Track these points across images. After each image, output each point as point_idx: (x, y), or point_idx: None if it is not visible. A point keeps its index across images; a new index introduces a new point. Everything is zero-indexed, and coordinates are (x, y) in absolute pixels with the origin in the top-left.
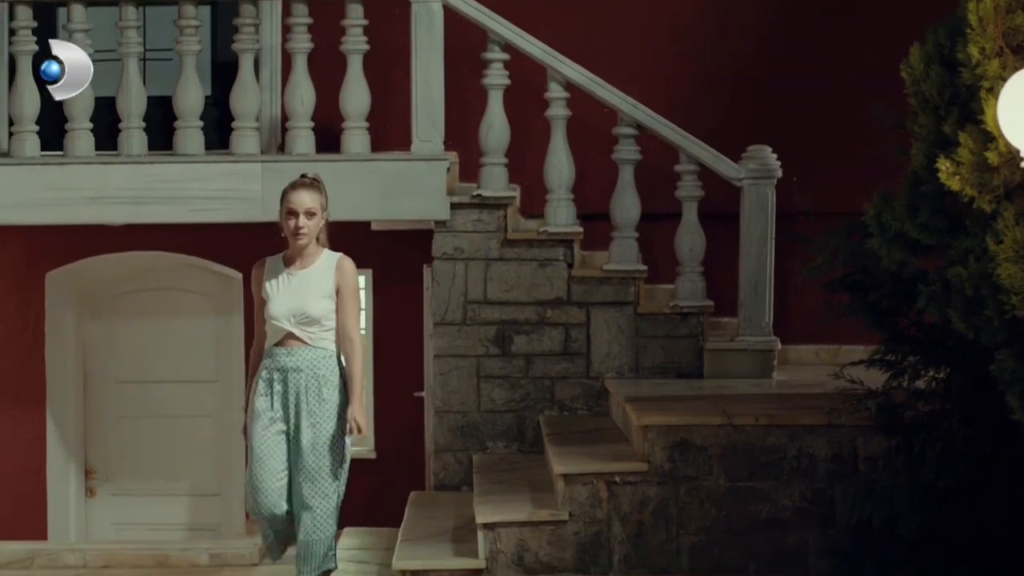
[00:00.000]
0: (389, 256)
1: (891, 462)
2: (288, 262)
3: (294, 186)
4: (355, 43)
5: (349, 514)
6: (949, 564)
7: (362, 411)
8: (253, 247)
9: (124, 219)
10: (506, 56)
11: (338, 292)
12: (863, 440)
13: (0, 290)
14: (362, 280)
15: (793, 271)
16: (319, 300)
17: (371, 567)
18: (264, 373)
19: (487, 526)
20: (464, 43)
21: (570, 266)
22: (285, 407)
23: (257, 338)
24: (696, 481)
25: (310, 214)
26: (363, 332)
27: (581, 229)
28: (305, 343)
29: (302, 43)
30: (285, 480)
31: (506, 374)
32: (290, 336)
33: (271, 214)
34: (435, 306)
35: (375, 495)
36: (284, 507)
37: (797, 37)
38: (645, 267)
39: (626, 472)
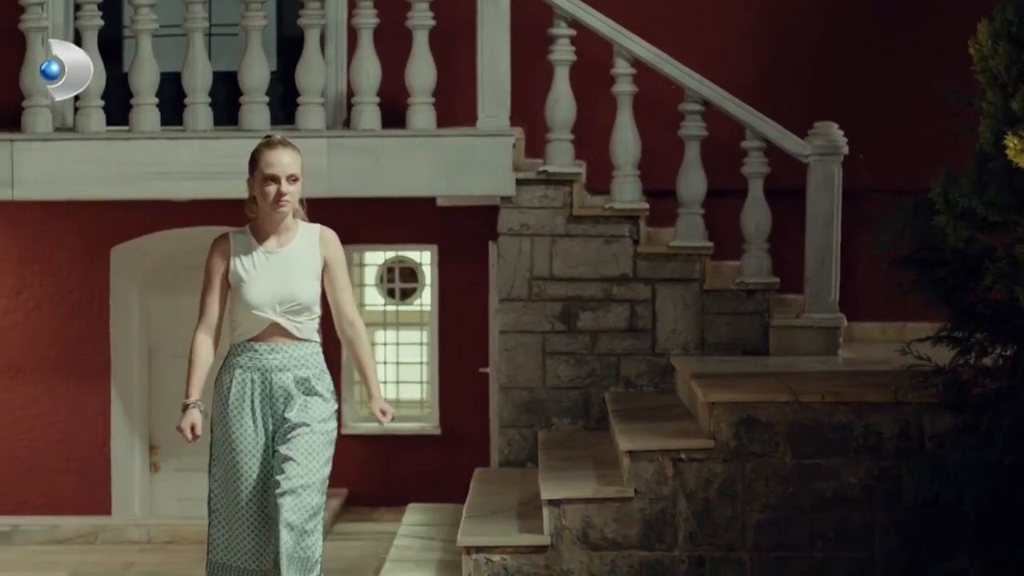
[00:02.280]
0: (454, 232)
1: (958, 440)
2: (261, 238)
3: (270, 145)
4: (421, 18)
5: (414, 490)
6: (1016, 542)
7: (382, 400)
8: (319, 223)
9: (190, 194)
10: (572, 32)
11: (325, 269)
12: (930, 418)
13: (66, 265)
14: (427, 256)
15: (859, 248)
16: (307, 282)
17: (435, 543)
18: (238, 374)
19: (552, 503)
20: (530, 18)
21: (636, 242)
22: (265, 413)
23: (205, 322)
24: (762, 458)
25: (292, 179)
26: (427, 308)
27: (647, 205)
28: (291, 336)
29: (368, 18)
30: (262, 536)
31: (572, 350)
32: (273, 328)
33: (337, 189)
34: (501, 282)
35: (439, 471)
36: (257, 566)
37: (865, 13)
38: (711, 244)
39: (692, 449)
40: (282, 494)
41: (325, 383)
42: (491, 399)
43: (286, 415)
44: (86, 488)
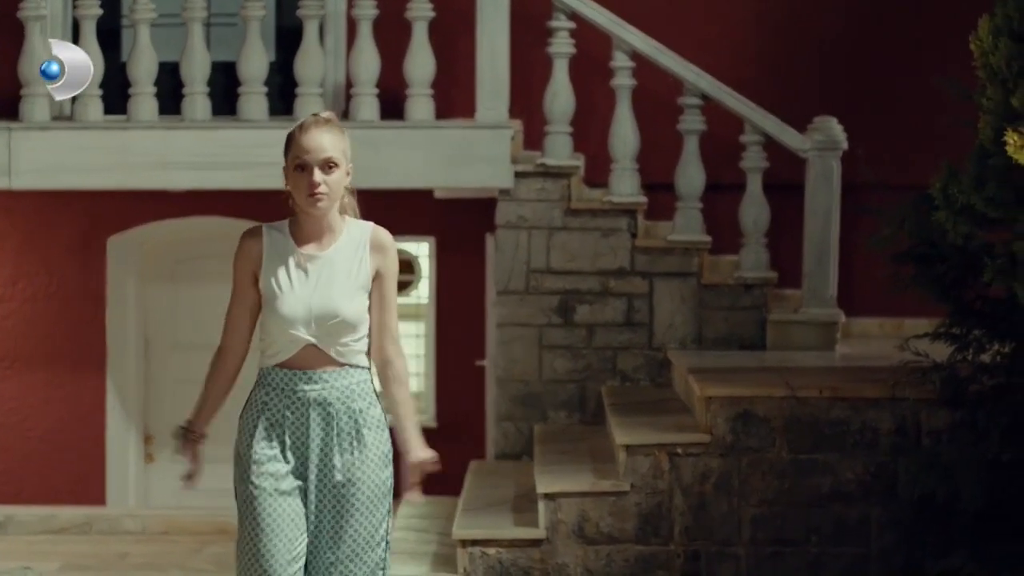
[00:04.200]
0: (451, 224)
1: (955, 436)
2: (300, 239)
3: (304, 128)
4: (421, 10)
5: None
6: (1012, 539)
7: (426, 449)
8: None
9: (188, 185)
10: (571, 24)
11: (375, 280)
12: (927, 414)
13: (62, 255)
14: (424, 248)
15: (857, 243)
16: (353, 294)
17: (431, 536)
18: (268, 408)
19: (548, 496)
20: (529, 10)
21: (634, 236)
22: (301, 459)
23: (227, 340)
24: (758, 453)
25: (329, 166)
26: (424, 301)
27: (645, 199)
28: (333, 361)
29: (367, 9)
30: (303, 562)
31: (568, 344)
32: (310, 351)
33: None
34: (498, 275)
35: None
36: None
37: (866, 7)
38: (709, 238)
39: (688, 443)
40: (338, 563)
41: (375, 422)
42: (487, 392)
43: (329, 466)
44: (81, 478)
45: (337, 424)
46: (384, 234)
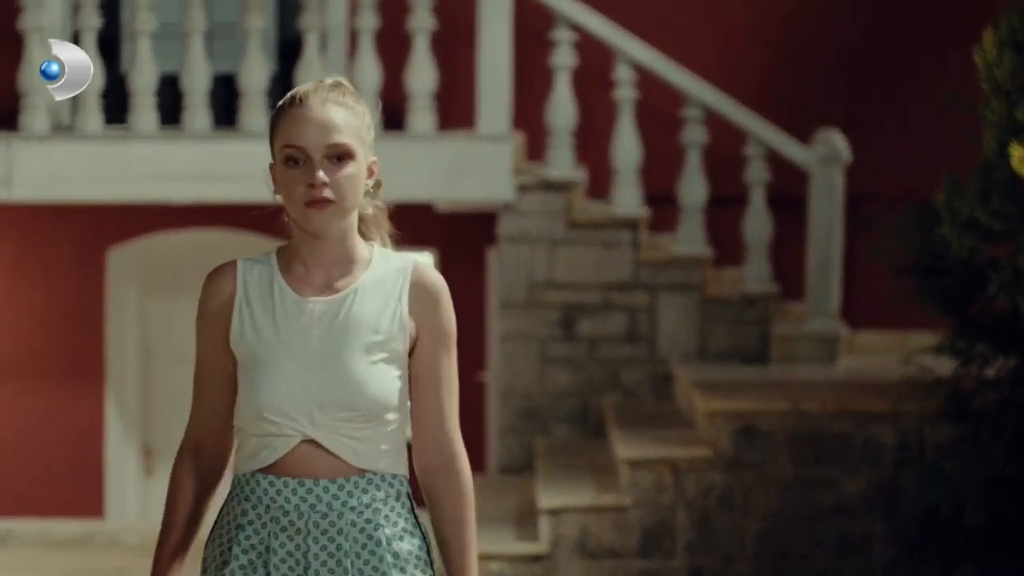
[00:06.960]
0: (453, 238)
1: (959, 451)
2: (296, 275)
3: (299, 100)
4: (422, 22)
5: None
6: (1016, 554)
7: None
8: None
9: (188, 197)
10: (574, 36)
11: (418, 344)
12: (931, 428)
13: (61, 266)
14: (425, 261)
15: (860, 256)
16: (380, 363)
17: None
18: (244, 535)
19: (550, 511)
20: (530, 22)
21: (636, 249)
22: None
23: (191, 436)
24: (761, 468)
25: (339, 157)
26: None
27: (647, 212)
28: (344, 466)
29: (368, 21)
30: None
31: (571, 357)
32: (306, 450)
33: None
34: (500, 288)
35: None
36: None
37: (868, 21)
38: (712, 251)
39: (691, 458)
40: None
41: (412, 561)
42: (489, 405)
43: None
44: (79, 491)
45: (352, 564)
46: (431, 273)
